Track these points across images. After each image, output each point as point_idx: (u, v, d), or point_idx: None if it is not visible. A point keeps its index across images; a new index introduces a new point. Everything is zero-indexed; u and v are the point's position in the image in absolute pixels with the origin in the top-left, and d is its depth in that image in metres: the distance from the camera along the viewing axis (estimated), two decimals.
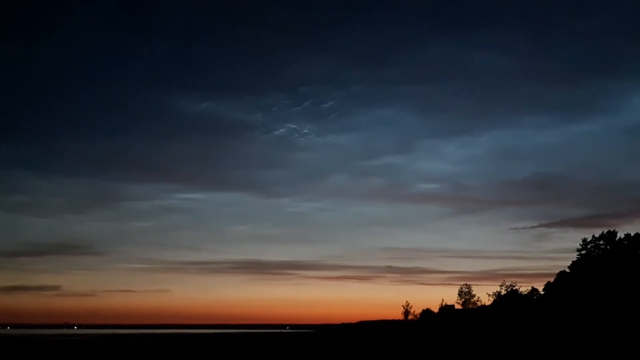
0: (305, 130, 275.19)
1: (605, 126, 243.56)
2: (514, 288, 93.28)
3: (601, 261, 71.48)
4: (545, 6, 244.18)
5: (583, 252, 77.01)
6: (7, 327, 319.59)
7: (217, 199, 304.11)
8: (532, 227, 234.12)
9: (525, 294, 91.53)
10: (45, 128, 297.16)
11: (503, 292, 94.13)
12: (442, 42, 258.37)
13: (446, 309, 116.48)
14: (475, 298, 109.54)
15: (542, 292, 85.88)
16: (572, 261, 78.53)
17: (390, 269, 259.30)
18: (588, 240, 76.88)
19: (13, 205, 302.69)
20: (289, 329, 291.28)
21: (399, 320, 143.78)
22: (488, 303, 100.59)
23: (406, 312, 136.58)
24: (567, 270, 79.16)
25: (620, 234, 74.00)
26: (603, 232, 75.64)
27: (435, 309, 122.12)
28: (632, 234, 72.85)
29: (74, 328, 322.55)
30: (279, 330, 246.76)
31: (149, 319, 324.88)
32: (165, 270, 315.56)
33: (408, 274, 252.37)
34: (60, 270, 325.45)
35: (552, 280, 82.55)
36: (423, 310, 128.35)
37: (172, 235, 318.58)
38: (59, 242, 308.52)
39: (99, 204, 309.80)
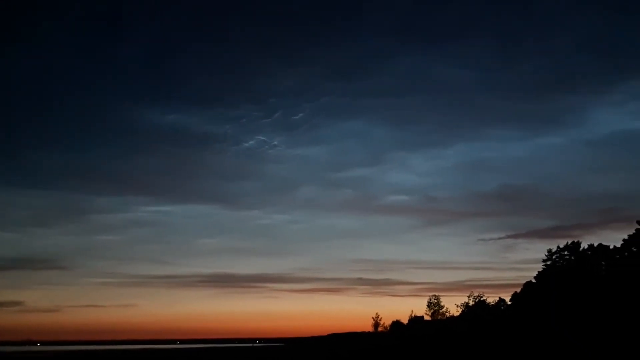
0: (275, 142, 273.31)
1: (569, 140, 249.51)
2: (481, 299, 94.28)
3: (564, 271, 72.98)
4: (511, 22, 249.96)
5: (548, 262, 78.19)
6: None
7: (186, 211, 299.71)
8: (500, 238, 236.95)
9: (492, 305, 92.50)
10: (8, 139, 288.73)
11: (471, 302, 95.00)
12: (412, 56, 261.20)
13: (415, 320, 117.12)
14: (444, 309, 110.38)
15: (509, 302, 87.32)
16: (538, 272, 79.48)
17: (360, 281, 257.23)
18: (553, 251, 78.24)
19: None
20: (258, 343, 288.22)
21: (369, 332, 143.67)
22: (456, 314, 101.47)
23: (376, 324, 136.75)
24: (533, 280, 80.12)
25: (584, 245, 75.65)
26: (567, 243, 77.22)
27: (405, 320, 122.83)
28: (595, 245, 74.24)
29: (36, 345, 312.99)
30: (250, 345, 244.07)
31: (115, 335, 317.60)
32: (132, 285, 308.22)
33: (378, 285, 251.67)
34: (23, 286, 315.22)
35: (518, 290, 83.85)
36: (393, 322, 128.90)
37: (139, 248, 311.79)
38: (22, 256, 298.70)
39: (63, 217, 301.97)
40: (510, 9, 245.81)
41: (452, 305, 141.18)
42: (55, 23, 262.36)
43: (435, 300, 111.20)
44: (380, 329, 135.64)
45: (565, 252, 76.64)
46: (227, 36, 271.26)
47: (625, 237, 69.16)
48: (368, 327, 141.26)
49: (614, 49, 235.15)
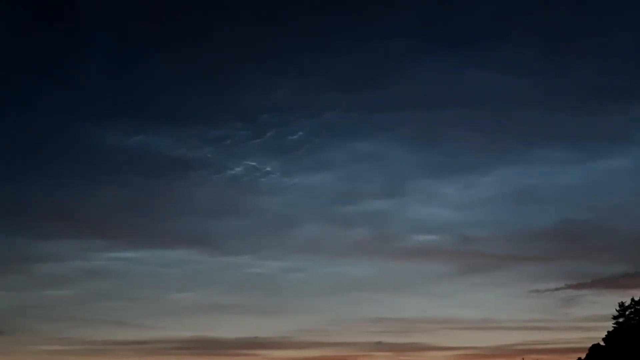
0: (268, 169, 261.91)
1: None
2: None
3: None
4: (563, 17, 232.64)
5: (620, 319, 71.58)
6: None
7: (156, 258, 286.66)
8: (557, 289, 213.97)
9: None
10: None
11: None
12: (439, 59, 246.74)
13: None
14: None
15: None
16: (608, 331, 73.28)
17: (379, 346, 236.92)
18: (626, 304, 71.75)
19: None
20: None
21: None
22: None
23: None
24: (602, 342, 73.37)
25: None
26: None
27: None
28: None
29: None
30: None
31: None
32: (88, 353, 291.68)
33: (402, 351, 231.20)
34: None
35: (583, 356, 76.87)
36: None
37: (97, 306, 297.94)
38: None
39: (0, 268, 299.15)
40: None
41: None
42: None
43: None
44: None
45: None
46: (207, 39, 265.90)
47: None
48: None
49: None
